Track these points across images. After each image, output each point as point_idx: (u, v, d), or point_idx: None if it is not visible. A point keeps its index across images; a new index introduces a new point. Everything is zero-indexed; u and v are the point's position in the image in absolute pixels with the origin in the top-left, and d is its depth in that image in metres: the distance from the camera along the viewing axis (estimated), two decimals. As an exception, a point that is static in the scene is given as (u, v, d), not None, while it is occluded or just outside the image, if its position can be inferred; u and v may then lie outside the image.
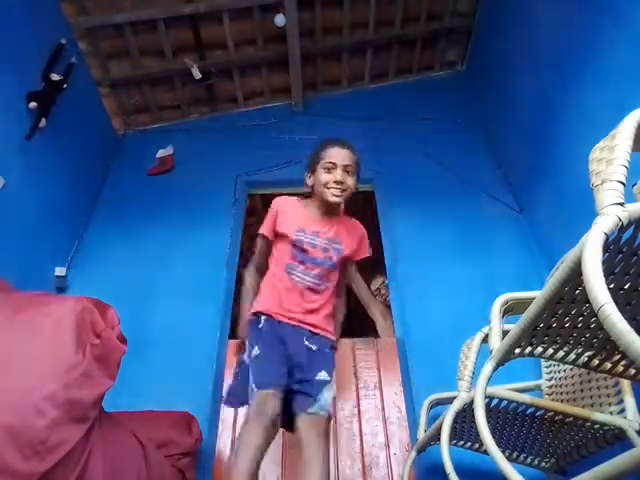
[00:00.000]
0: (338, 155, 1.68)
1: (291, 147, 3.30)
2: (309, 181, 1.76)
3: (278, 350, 1.50)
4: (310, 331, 1.60)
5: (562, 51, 2.38)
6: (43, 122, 2.50)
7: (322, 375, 1.53)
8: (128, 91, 3.39)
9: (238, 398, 1.55)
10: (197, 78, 3.26)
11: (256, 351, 1.49)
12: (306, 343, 1.57)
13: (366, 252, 1.81)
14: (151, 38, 3.14)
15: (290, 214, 1.72)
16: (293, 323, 1.59)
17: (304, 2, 3.14)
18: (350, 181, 1.68)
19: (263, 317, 1.60)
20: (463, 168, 3.11)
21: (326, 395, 1.50)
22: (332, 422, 2.79)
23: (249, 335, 1.60)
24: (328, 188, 1.66)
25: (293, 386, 1.48)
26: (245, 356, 1.58)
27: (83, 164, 3.01)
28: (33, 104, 2.42)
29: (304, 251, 1.65)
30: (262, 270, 1.74)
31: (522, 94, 2.82)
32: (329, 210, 1.73)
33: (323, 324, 1.64)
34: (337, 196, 1.66)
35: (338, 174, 1.65)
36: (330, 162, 1.66)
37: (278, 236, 1.71)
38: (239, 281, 1.94)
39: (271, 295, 1.63)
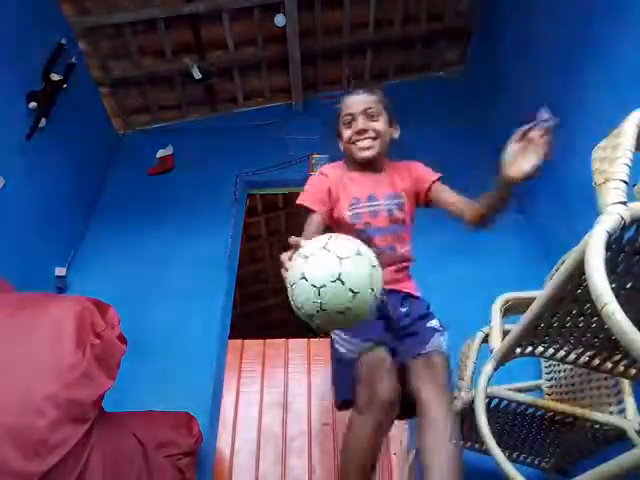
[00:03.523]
0: (353, 103, 1.43)
1: (291, 147, 3.29)
2: (341, 146, 1.52)
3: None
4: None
5: (562, 51, 2.37)
6: (43, 122, 2.49)
7: (433, 323, 1.30)
8: (128, 91, 3.38)
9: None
10: (197, 78, 3.25)
11: None
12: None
13: (431, 174, 1.55)
14: (151, 38, 3.13)
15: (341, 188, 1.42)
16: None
17: (304, 2, 3.13)
18: (378, 125, 1.41)
19: None
20: (463, 168, 3.10)
21: (440, 339, 1.25)
22: (332, 422, 2.79)
23: None
24: (353, 143, 1.42)
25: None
26: None
27: (83, 164, 3.00)
28: (33, 104, 2.42)
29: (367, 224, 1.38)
30: None
31: (522, 94, 2.82)
32: (369, 167, 1.45)
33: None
34: (366, 148, 1.41)
35: (359, 123, 1.40)
36: (347, 114, 1.43)
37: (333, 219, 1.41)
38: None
39: None
